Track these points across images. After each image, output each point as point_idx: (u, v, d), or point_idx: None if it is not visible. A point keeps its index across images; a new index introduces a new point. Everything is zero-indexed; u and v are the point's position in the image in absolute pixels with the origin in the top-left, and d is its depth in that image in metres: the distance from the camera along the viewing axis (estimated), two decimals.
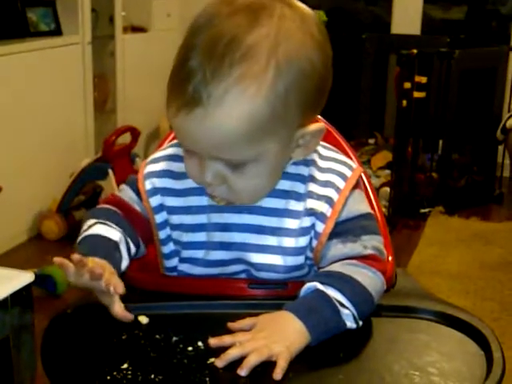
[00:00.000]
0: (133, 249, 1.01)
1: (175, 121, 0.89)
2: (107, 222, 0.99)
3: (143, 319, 0.90)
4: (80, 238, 0.99)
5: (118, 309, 0.89)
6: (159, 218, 1.02)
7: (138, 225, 1.02)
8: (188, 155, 0.94)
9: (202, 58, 0.85)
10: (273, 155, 0.92)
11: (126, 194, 1.04)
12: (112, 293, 0.88)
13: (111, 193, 1.08)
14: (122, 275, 0.96)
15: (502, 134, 3.48)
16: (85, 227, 1.00)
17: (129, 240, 1.00)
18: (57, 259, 0.87)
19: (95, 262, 0.89)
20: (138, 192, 1.03)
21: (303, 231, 0.98)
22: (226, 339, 0.84)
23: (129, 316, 0.89)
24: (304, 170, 1.00)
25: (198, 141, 0.89)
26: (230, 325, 0.88)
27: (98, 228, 0.98)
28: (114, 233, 0.98)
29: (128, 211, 1.02)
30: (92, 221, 1.00)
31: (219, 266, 1.01)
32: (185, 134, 0.90)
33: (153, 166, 1.04)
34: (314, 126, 0.95)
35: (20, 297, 0.91)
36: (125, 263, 0.98)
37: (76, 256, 0.86)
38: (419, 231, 3.22)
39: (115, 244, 0.97)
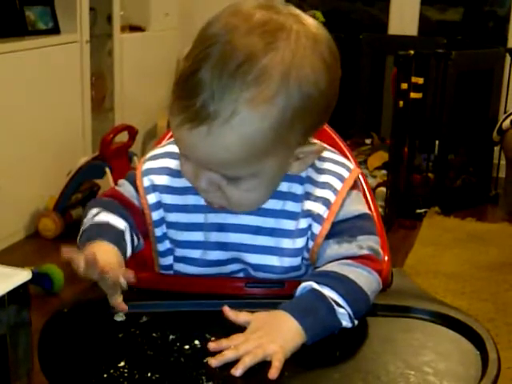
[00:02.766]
0: (135, 240, 1.01)
1: (177, 131, 0.88)
2: (112, 212, 1.00)
3: (119, 317, 0.91)
4: (86, 225, 0.99)
5: (117, 300, 0.90)
6: (156, 215, 1.02)
7: (136, 219, 1.02)
8: (184, 159, 0.94)
9: (213, 73, 0.84)
10: (270, 171, 0.92)
11: (126, 188, 1.04)
12: (123, 286, 0.88)
13: (111, 186, 1.07)
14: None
15: (498, 135, 3.49)
16: (89, 216, 1.00)
17: (132, 231, 1.00)
18: (66, 253, 0.87)
19: (104, 259, 0.88)
20: (136, 188, 1.03)
21: (300, 232, 0.99)
22: (223, 343, 0.84)
23: (124, 307, 0.90)
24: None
25: (197, 154, 0.89)
26: (225, 310, 0.88)
27: (104, 216, 0.99)
28: (119, 222, 0.99)
29: (128, 205, 1.02)
30: (96, 210, 1.00)
31: (217, 266, 1.01)
32: (184, 145, 0.90)
33: (151, 163, 1.04)
34: (313, 147, 0.96)
35: (17, 295, 0.91)
36: (129, 252, 0.99)
37: (89, 252, 0.86)
38: (415, 231, 3.22)
39: (121, 233, 0.98)
